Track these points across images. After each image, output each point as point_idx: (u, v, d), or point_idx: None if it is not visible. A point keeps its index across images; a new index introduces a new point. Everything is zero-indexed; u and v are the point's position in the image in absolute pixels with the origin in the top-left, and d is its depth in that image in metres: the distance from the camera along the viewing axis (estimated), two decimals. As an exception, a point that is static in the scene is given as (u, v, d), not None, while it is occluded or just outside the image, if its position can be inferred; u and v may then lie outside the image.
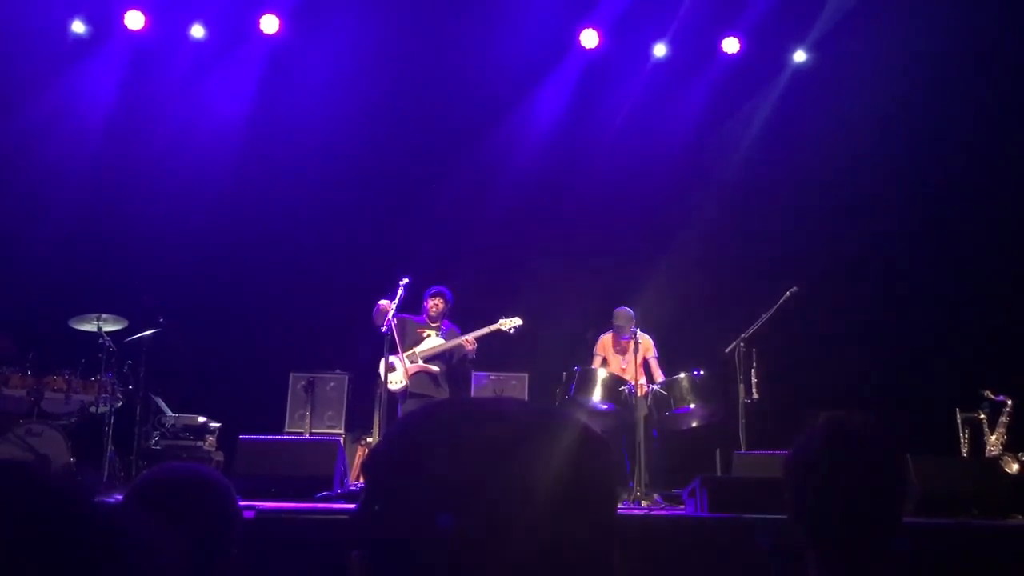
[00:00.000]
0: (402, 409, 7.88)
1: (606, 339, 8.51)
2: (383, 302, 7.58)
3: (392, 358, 7.74)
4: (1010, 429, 7.99)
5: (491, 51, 9.81)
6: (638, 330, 8.05)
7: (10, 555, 0.95)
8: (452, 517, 0.93)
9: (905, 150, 9.83)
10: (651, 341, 8.43)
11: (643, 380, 7.98)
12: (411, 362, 7.87)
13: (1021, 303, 9.20)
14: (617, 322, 8.28)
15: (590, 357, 8.52)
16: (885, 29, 9.58)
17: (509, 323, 8.13)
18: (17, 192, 9.47)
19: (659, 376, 8.24)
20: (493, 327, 8.12)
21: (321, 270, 9.79)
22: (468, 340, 8.03)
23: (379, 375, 7.77)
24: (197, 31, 9.86)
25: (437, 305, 8.12)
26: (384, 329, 7.52)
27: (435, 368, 8.03)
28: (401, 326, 7.73)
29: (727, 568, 4.96)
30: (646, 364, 8.28)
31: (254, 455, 6.78)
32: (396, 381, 7.81)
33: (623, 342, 8.28)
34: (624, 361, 8.09)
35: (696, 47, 10.15)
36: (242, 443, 6.89)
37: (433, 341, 8.07)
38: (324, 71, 9.93)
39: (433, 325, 8.14)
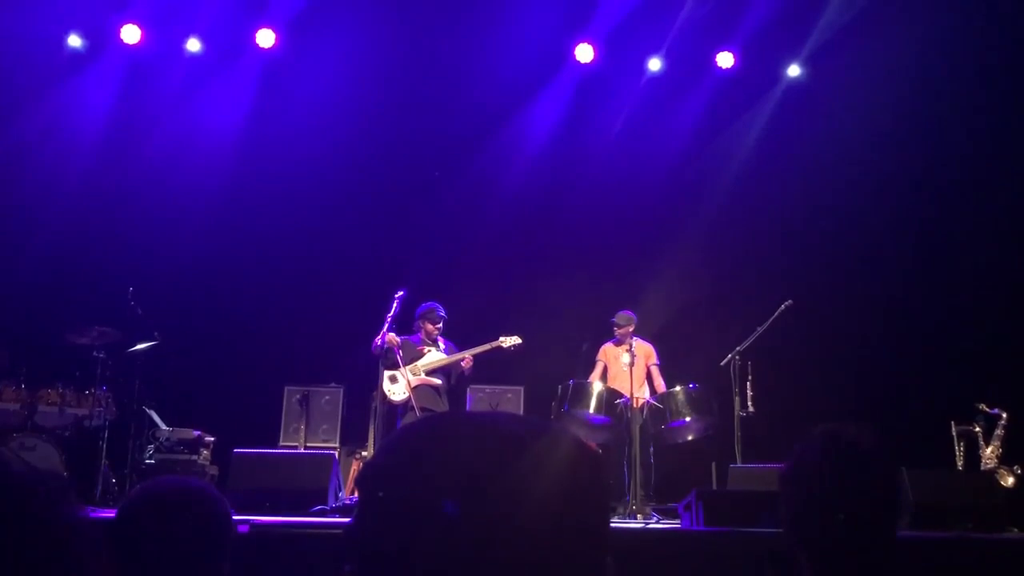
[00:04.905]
0: (401, 423, 7.87)
1: (608, 347, 8.51)
2: (389, 336, 7.69)
3: (394, 372, 7.79)
4: (1005, 442, 8.00)
5: (486, 65, 9.84)
6: (635, 339, 8.05)
7: None
8: (458, 506, 0.93)
9: (899, 163, 9.88)
10: (652, 348, 8.44)
11: (642, 391, 7.98)
12: (413, 375, 7.88)
13: (1016, 316, 9.22)
14: (616, 322, 8.28)
15: (586, 370, 8.51)
16: (879, 43, 9.63)
17: (509, 341, 8.13)
18: (12, 205, 9.46)
19: (660, 384, 8.24)
20: (493, 344, 8.12)
21: (316, 284, 9.78)
22: (466, 358, 8.04)
23: (377, 388, 7.80)
24: (193, 45, 9.88)
25: (428, 328, 8.11)
26: (380, 343, 7.62)
27: (437, 381, 8.04)
28: (398, 347, 7.81)
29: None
30: (648, 372, 8.30)
31: (248, 469, 6.75)
32: (399, 392, 7.82)
33: (623, 346, 8.25)
34: (626, 366, 8.04)
35: (691, 61, 10.20)
36: (236, 457, 6.86)
37: (435, 355, 8.08)
38: (319, 85, 9.95)
39: (430, 342, 8.15)
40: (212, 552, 1.91)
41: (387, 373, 7.88)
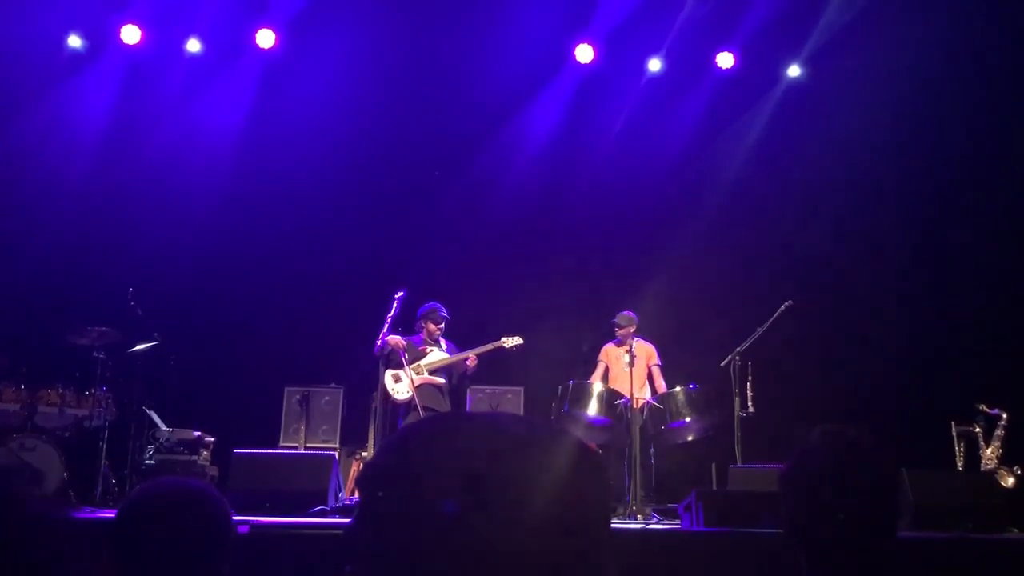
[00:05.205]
0: (403, 423, 7.88)
1: (609, 347, 8.51)
2: (393, 338, 7.75)
3: (398, 371, 7.81)
4: (1005, 443, 8.00)
5: (486, 66, 9.85)
6: (635, 339, 8.04)
7: None
8: (458, 507, 0.93)
9: (898, 163, 9.88)
10: (653, 349, 8.44)
11: (643, 391, 7.97)
12: (416, 374, 7.90)
13: (1016, 316, 9.21)
14: (617, 322, 8.28)
15: (586, 370, 8.51)
16: (879, 43, 9.64)
17: (511, 341, 8.16)
18: (12, 205, 9.47)
19: (661, 385, 8.24)
20: (495, 344, 8.14)
21: (316, 284, 9.79)
22: (470, 358, 8.05)
23: (379, 388, 7.81)
24: (193, 46, 9.88)
25: (430, 328, 8.13)
26: (381, 344, 7.63)
27: (441, 380, 8.06)
28: (403, 349, 7.85)
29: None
30: (649, 372, 8.31)
31: (248, 469, 6.76)
32: (402, 392, 7.83)
33: (624, 347, 8.24)
34: (626, 366, 8.03)
35: (691, 62, 10.20)
36: (236, 457, 6.87)
37: (437, 355, 8.09)
38: (319, 85, 9.96)
39: (432, 342, 8.16)
40: (212, 553, 1.91)
41: (390, 372, 7.90)
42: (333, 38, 9.87)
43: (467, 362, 8.05)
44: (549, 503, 0.96)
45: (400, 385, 7.85)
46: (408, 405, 7.82)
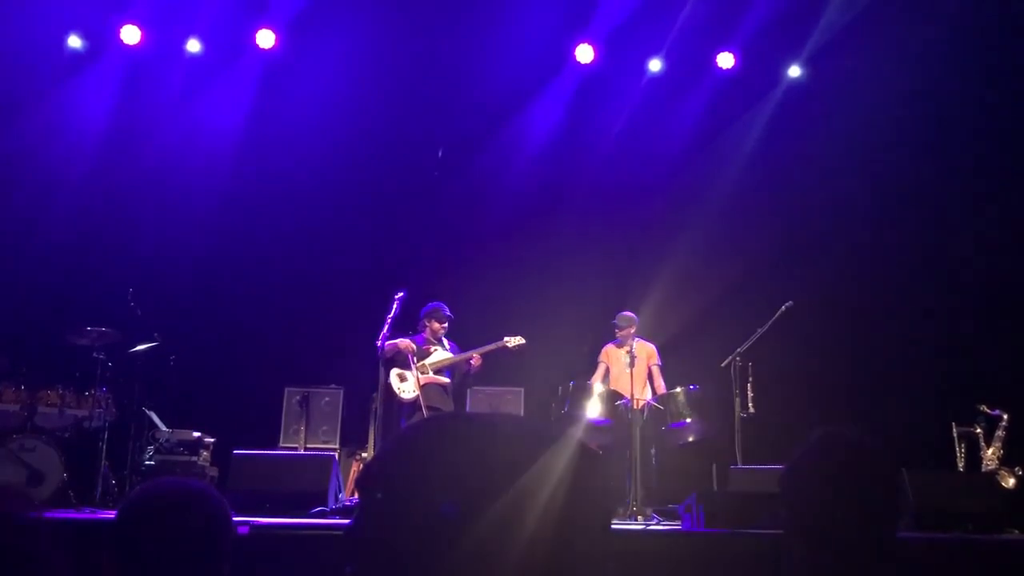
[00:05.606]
0: (407, 423, 7.87)
1: (610, 348, 8.51)
2: (402, 341, 7.81)
3: (403, 371, 7.83)
4: (1006, 443, 7.99)
5: (486, 66, 9.84)
6: (636, 340, 8.04)
7: None
8: (458, 508, 0.93)
9: (899, 163, 9.87)
10: (654, 349, 8.44)
11: (643, 392, 7.96)
12: (421, 373, 7.91)
13: (1016, 316, 9.21)
14: (618, 323, 8.28)
15: (586, 371, 8.50)
16: (879, 43, 9.63)
17: (514, 341, 8.19)
18: (12, 206, 9.46)
19: (661, 385, 8.24)
20: (498, 344, 8.17)
21: (316, 284, 9.79)
22: (475, 357, 8.07)
23: (380, 389, 7.80)
24: (193, 46, 9.88)
25: (434, 327, 8.14)
26: (381, 345, 7.64)
27: (446, 379, 8.07)
28: (413, 353, 7.87)
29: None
30: (649, 372, 8.31)
31: (248, 470, 6.76)
32: (408, 391, 7.84)
33: (624, 347, 8.24)
34: (628, 367, 8.01)
35: (691, 62, 10.20)
36: (236, 458, 6.87)
37: (441, 354, 8.10)
38: (319, 85, 9.96)
39: (435, 341, 8.17)
40: (212, 553, 1.91)
41: (396, 371, 7.90)
42: (333, 38, 9.87)
43: (471, 362, 8.08)
44: (549, 504, 0.95)
45: (406, 384, 7.85)
46: (413, 404, 7.82)
